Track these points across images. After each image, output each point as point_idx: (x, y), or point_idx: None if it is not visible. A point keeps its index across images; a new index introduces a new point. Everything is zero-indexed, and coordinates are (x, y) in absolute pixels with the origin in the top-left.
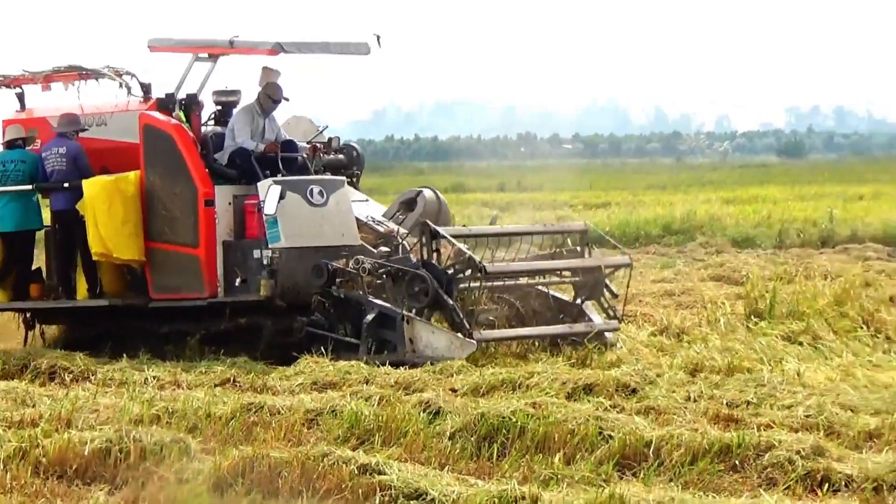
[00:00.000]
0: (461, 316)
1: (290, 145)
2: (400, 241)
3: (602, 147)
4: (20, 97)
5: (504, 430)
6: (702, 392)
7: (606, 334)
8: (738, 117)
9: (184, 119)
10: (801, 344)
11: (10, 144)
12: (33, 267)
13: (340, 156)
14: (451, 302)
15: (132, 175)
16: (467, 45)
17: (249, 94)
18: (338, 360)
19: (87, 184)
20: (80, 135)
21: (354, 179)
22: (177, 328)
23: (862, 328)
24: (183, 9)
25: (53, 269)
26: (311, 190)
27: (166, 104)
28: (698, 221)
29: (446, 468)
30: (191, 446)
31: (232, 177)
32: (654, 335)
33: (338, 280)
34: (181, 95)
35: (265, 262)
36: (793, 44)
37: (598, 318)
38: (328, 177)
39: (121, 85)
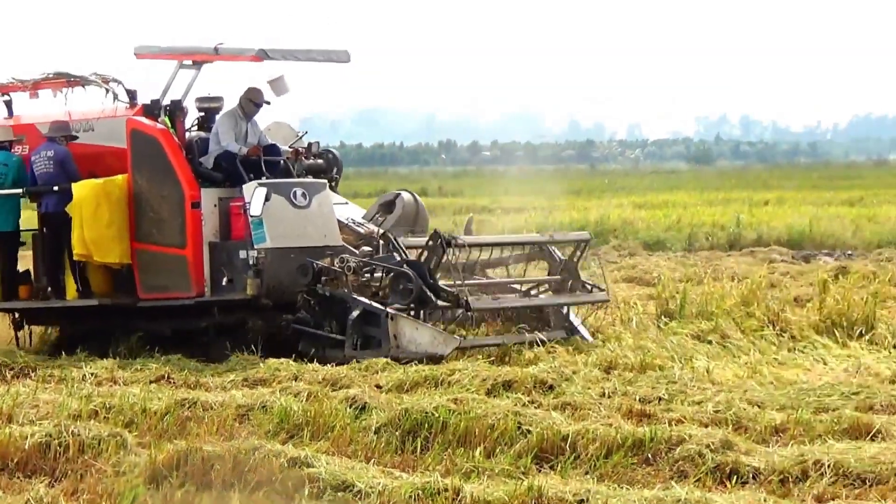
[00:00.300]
0: (459, 297)
1: (272, 149)
2: (379, 241)
3: (519, 154)
4: (8, 104)
5: (427, 425)
6: (616, 388)
7: (584, 332)
8: (649, 126)
9: (169, 124)
10: (710, 342)
11: None
12: (21, 269)
13: (320, 160)
14: (434, 300)
15: (120, 178)
16: (390, 55)
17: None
18: (324, 357)
19: (76, 187)
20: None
21: (333, 183)
22: (163, 326)
23: (768, 327)
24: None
25: (42, 271)
26: (295, 192)
27: (152, 110)
28: (611, 225)
29: (372, 461)
30: (127, 440)
31: (217, 179)
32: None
33: (323, 278)
34: (166, 102)
35: (251, 262)
36: (701, 56)
37: (583, 329)
38: (311, 180)
39: (107, 92)
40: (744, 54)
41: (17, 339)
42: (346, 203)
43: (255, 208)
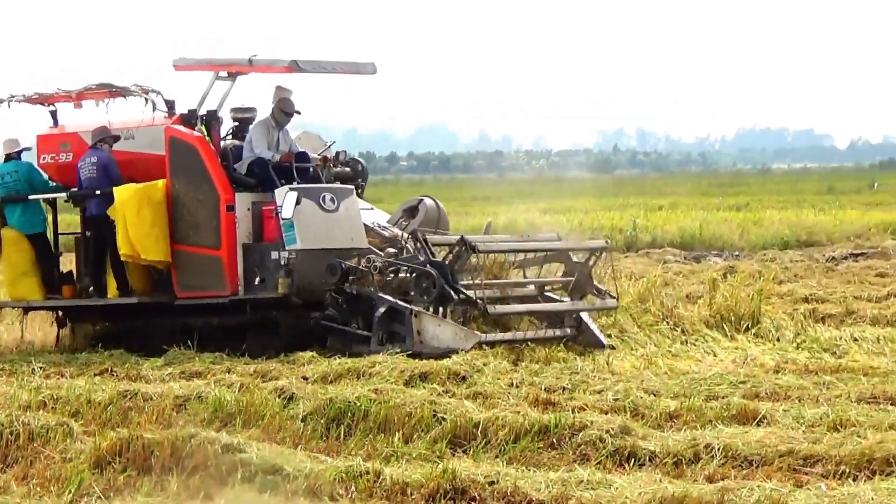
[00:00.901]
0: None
1: (302, 156)
2: (404, 244)
3: (434, 164)
4: (53, 114)
5: (350, 413)
6: (523, 379)
7: (602, 340)
8: (553, 137)
9: (205, 133)
10: (609, 336)
11: (6, 158)
12: (65, 270)
13: (347, 168)
14: (456, 297)
15: (160, 183)
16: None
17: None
18: (351, 352)
19: (118, 191)
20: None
21: (360, 190)
22: (199, 323)
23: (662, 322)
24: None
25: (84, 271)
26: (324, 197)
27: (189, 119)
28: (518, 230)
29: (299, 447)
30: (73, 429)
31: (250, 185)
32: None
33: (350, 278)
34: (202, 112)
35: (282, 262)
36: (601, 73)
37: (595, 328)
38: (339, 185)
39: (147, 102)
40: (638, 72)
41: (58, 336)
42: (372, 208)
43: (287, 211)
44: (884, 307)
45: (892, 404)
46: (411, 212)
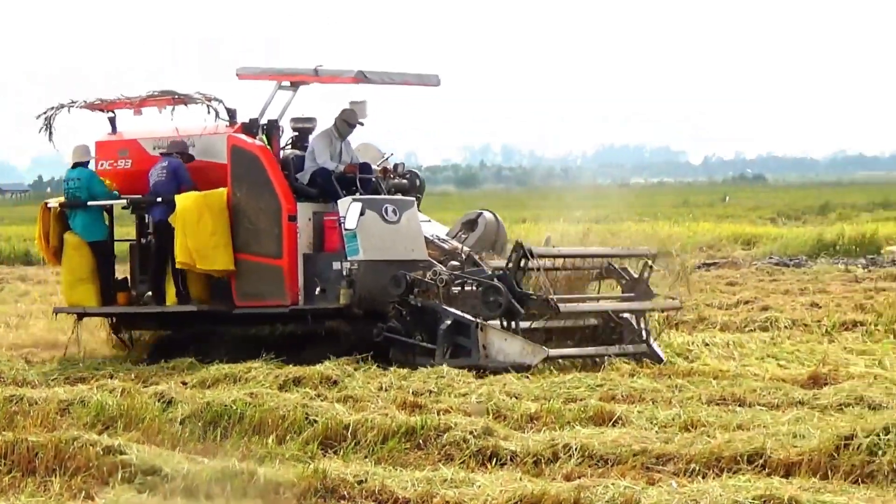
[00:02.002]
0: (548, 300)
1: (365, 167)
2: (463, 256)
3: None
4: (112, 121)
5: (226, 416)
6: (392, 383)
7: (658, 351)
8: (423, 153)
9: (266, 142)
10: None
11: (74, 164)
12: (120, 277)
13: (404, 180)
14: (522, 311)
15: (221, 191)
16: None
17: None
18: (414, 363)
19: (179, 198)
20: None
21: (416, 202)
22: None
23: None
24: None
25: (140, 278)
26: (386, 208)
27: (250, 128)
28: None
29: (178, 449)
30: None
31: (312, 195)
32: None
33: (415, 290)
34: (263, 121)
35: (344, 272)
36: (466, 88)
37: (657, 348)
38: (400, 197)
39: (209, 110)
40: (504, 88)
41: (123, 342)
42: (429, 220)
43: (351, 222)
44: (733, 314)
45: (739, 405)
46: (470, 225)
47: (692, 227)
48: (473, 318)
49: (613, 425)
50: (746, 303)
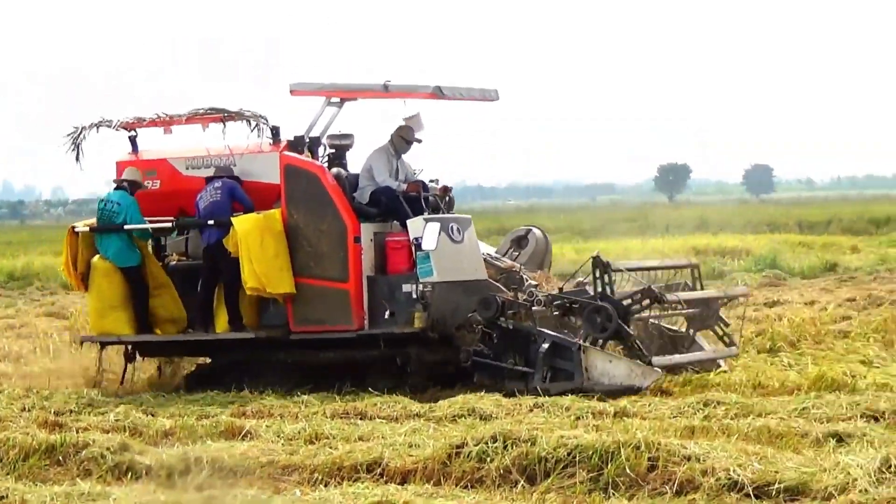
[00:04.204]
0: (639, 346)
1: (424, 185)
2: (521, 274)
3: None
4: (133, 140)
5: None
6: (34, 404)
7: (720, 361)
8: (71, 187)
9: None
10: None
11: (117, 185)
12: None
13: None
14: (631, 332)
15: (277, 212)
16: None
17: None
18: (503, 388)
19: (238, 221)
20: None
21: None
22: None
23: None
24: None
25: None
26: (452, 227)
27: (296, 146)
28: (35, 270)
29: None
30: None
31: (372, 214)
32: None
33: (508, 312)
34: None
35: (415, 295)
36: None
37: (707, 345)
38: (461, 215)
39: (255, 128)
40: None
41: (161, 371)
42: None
43: (429, 243)
44: None
45: (361, 418)
46: (519, 241)
47: None
48: (574, 340)
49: (243, 439)
50: None
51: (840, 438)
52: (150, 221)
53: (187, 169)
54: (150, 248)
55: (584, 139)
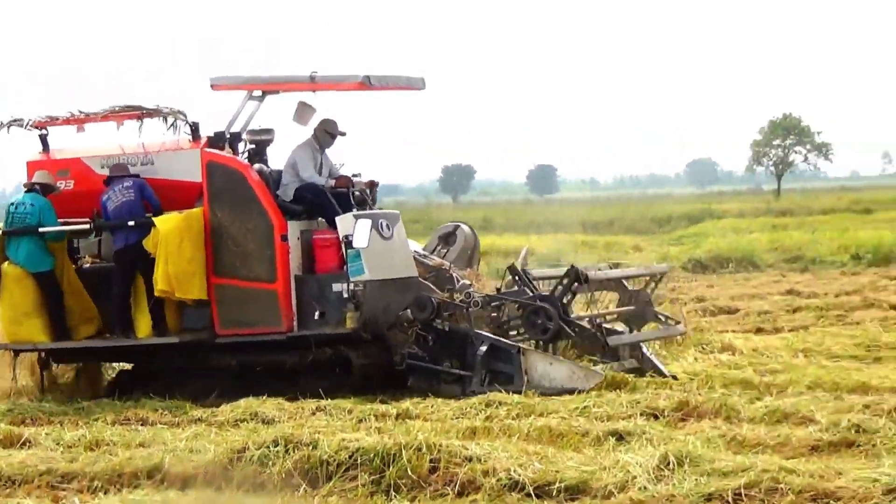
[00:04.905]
0: (591, 330)
1: (351, 180)
2: (450, 272)
3: None
4: (44, 139)
5: None
6: None
7: (664, 369)
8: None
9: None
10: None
11: (28, 187)
12: None
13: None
14: (573, 331)
15: (198, 212)
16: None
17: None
18: (439, 392)
19: (160, 220)
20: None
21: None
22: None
23: None
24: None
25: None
26: (381, 223)
27: (217, 142)
28: None
29: None
30: None
31: (297, 212)
32: None
33: (444, 313)
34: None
35: (346, 294)
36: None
37: (658, 362)
38: (389, 211)
39: (172, 125)
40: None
41: (42, 379)
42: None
43: (361, 240)
44: None
45: (142, 424)
46: (447, 238)
47: None
48: (513, 343)
49: (22, 447)
50: None
51: (620, 437)
52: (66, 223)
53: (102, 168)
54: (65, 251)
55: (371, 140)
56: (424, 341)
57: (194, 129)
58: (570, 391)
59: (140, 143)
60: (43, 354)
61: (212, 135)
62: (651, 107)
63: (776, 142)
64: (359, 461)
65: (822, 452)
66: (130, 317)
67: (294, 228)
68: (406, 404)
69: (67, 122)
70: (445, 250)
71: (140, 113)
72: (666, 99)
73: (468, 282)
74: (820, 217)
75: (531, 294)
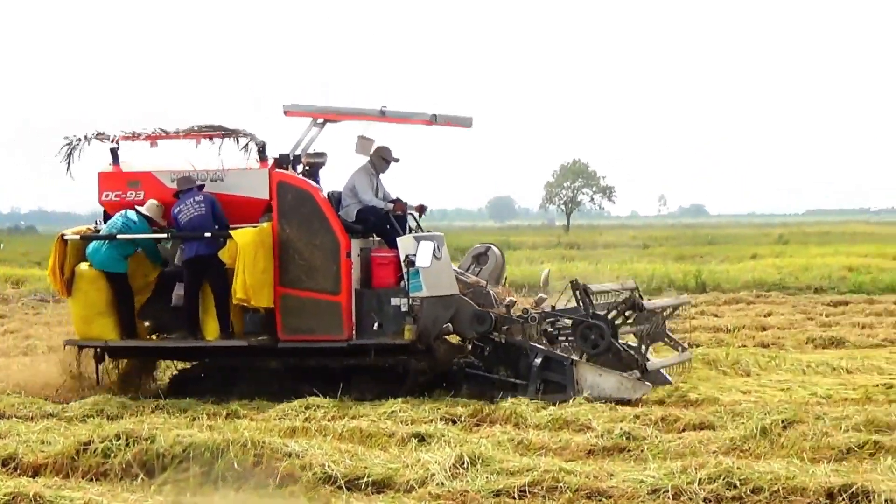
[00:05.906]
0: (633, 354)
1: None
2: (487, 289)
3: None
4: (114, 153)
5: None
6: None
7: (668, 379)
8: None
9: None
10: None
11: (138, 212)
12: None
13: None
14: (621, 346)
15: (269, 226)
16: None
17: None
18: (492, 399)
19: (238, 234)
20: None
21: None
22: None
23: None
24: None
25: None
26: (437, 245)
27: (282, 163)
28: None
29: None
30: None
31: (358, 231)
32: None
33: (502, 327)
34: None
35: (404, 308)
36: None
37: (665, 373)
38: (437, 233)
39: (245, 145)
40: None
41: (97, 371)
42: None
43: (424, 261)
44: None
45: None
46: (478, 258)
47: None
48: (567, 355)
49: None
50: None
51: (422, 438)
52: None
53: (171, 182)
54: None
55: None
56: (481, 352)
57: (261, 150)
58: (620, 401)
59: (219, 160)
60: (98, 350)
61: (277, 156)
62: (459, 149)
63: (566, 183)
64: (191, 454)
65: (597, 456)
66: (198, 320)
67: (355, 246)
68: (234, 406)
69: (150, 138)
70: (478, 269)
71: (220, 133)
72: (473, 143)
73: (513, 298)
74: (603, 251)
75: (586, 311)
